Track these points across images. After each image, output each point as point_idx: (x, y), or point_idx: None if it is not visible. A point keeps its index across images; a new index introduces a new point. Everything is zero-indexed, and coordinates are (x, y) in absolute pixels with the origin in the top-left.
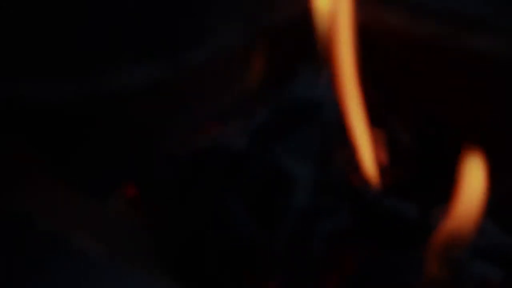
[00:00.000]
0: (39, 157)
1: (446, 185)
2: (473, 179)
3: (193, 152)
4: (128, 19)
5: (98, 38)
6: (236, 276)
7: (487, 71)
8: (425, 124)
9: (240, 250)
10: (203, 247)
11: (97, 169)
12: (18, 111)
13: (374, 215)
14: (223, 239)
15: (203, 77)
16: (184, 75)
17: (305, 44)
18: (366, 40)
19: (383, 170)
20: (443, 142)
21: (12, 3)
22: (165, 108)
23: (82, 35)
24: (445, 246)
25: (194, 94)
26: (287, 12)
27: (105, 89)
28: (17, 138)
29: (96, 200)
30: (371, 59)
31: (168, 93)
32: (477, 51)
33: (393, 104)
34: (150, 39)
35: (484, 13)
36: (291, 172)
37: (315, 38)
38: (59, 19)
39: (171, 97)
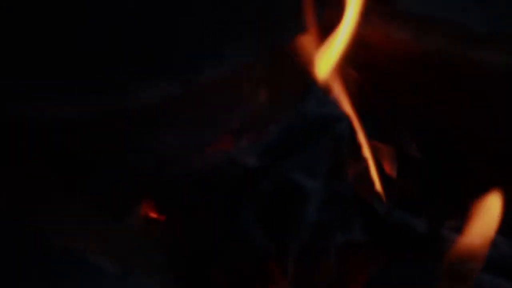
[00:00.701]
0: (54, 175)
1: (456, 199)
2: (490, 203)
3: (205, 168)
4: (140, 37)
5: (110, 56)
6: None
7: (494, 84)
8: (434, 138)
9: (252, 264)
10: (215, 262)
11: (113, 187)
12: (32, 129)
13: (385, 229)
14: (235, 253)
15: (214, 94)
16: (195, 93)
17: (316, 59)
18: (372, 54)
19: (393, 184)
20: (451, 156)
21: (26, 19)
22: (176, 125)
23: (94, 54)
24: (460, 261)
25: (205, 111)
26: (298, 29)
27: (116, 107)
28: (32, 156)
29: (112, 217)
30: (376, 73)
31: (179, 111)
32: (484, 65)
33: (401, 117)
34: (161, 57)
35: (491, 26)
36: (303, 186)
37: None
38: (72, 38)
39: (182, 115)
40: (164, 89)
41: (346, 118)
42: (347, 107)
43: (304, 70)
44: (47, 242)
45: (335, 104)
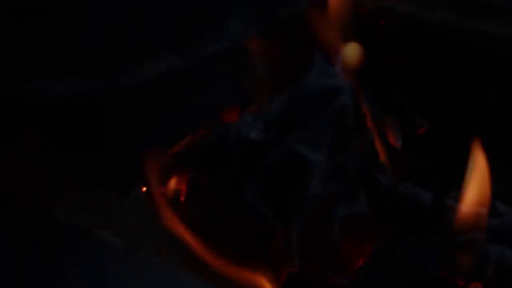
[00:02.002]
0: (60, 151)
1: (460, 170)
2: (477, 165)
3: (209, 140)
4: (143, 13)
5: (115, 33)
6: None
7: (498, 56)
8: (438, 108)
9: (257, 237)
10: (221, 236)
11: (117, 162)
12: (41, 107)
13: (390, 201)
14: (240, 227)
15: (217, 68)
16: (199, 66)
17: (320, 33)
18: (375, 26)
19: (397, 155)
20: (456, 126)
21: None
22: (181, 97)
23: (100, 32)
24: (463, 232)
25: (209, 84)
26: (303, 2)
27: (122, 82)
28: (39, 135)
29: (116, 192)
30: (380, 45)
31: (183, 83)
32: (488, 37)
33: (406, 89)
34: (165, 32)
35: None
36: (307, 159)
37: (326, 27)
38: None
39: (186, 87)
40: (169, 62)
41: (349, 90)
42: (350, 79)
43: (307, 43)
44: (54, 219)
45: (338, 76)
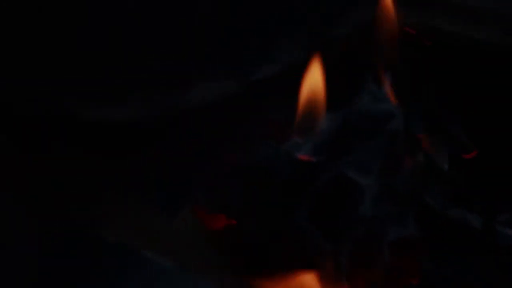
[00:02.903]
0: (110, 172)
1: (509, 194)
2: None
3: (260, 161)
4: (198, 38)
5: (172, 59)
6: (303, 285)
7: None
8: (487, 130)
9: (306, 259)
10: (269, 255)
11: (167, 183)
12: (93, 127)
13: (439, 224)
14: (290, 249)
15: (269, 91)
16: (251, 90)
17: (371, 56)
18: (421, 46)
19: (446, 178)
20: (505, 149)
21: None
22: (232, 120)
23: (158, 59)
24: None
25: (261, 107)
26: (351, 24)
27: (176, 104)
28: (91, 155)
29: (165, 213)
30: (427, 65)
31: (235, 107)
32: None
33: (454, 110)
34: (220, 56)
35: None
36: (358, 183)
37: (377, 49)
38: (135, 42)
39: (238, 111)
40: (223, 87)
41: (400, 115)
42: (399, 100)
43: (358, 65)
44: (102, 239)
45: (389, 100)
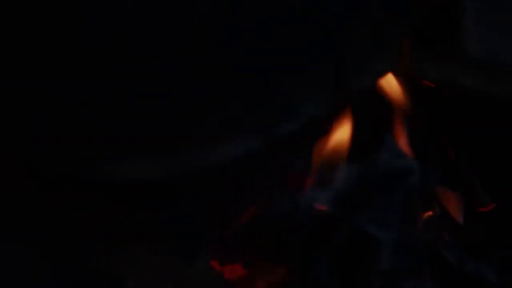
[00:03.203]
0: (131, 223)
1: None
2: None
3: (279, 213)
4: (220, 96)
5: (192, 116)
6: None
7: None
8: (504, 184)
9: None
10: None
11: (186, 232)
12: (116, 184)
13: (456, 278)
14: None
15: (290, 147)
16: (273, 147)
17: (391, 111)
18: (440, 100)
19: (462, 232)
20: None
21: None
22: (252, 172)
23: (177, 116)
24: None
25: (282, 163)
26: (373, 77)
27: (199, 164)
28: (111, 206)
29: (184, 260)
30: (444, 118)
31: (256, 164)
32: None
33: (470, 163)
34: (242, 113)
35: None
36: (375, 238)
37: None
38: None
39: (258, 162)
40: (245, 144)
41: (417, 170)
42: (416, 153)
43: (377, 118)
44: (122, 285)
45: (407, 156)
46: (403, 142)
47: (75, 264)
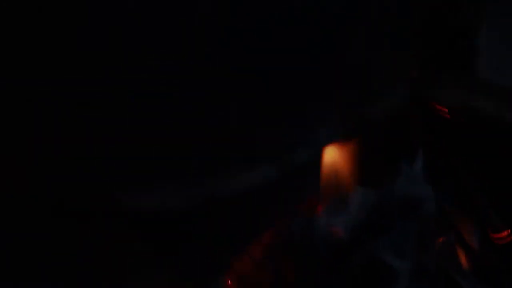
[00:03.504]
0: (147, 248)
1: None
2: None
3: (294, 239)
4: (236, 127)
5: (211, 147)
6: None
7: None
8: None
9: None
10: None
11: (201, 261)
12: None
13: None
14: None
15: (305, 174)
16: (288, 175)
17: (406, 138)
18: (456, 126)
19: (477, 257)
20: None
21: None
22: (269, 203)
23: (198, 148)
24: None
25: (296, 188)
26: (388, 106)
27: (218, 193)
28: (129, 233)
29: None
30: (460, 144)
31: (272, 191)
32: None
33: (484, 189)
34: (260, 144)
35: None
36: (391, 265)
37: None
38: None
39: (275, 194)
40: (263, 173)
41: (433, 197)
42: (432, 180)
43: (393, 145)
44: None
45: (422, 182)
46: (418, 168)
47: None
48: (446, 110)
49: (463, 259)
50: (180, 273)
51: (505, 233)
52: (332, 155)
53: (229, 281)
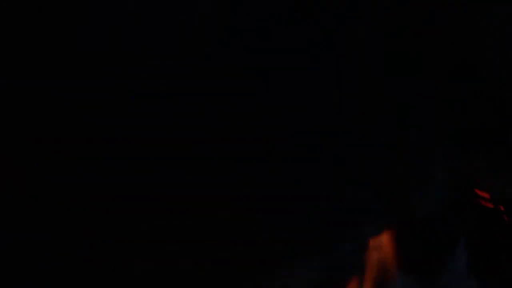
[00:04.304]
0: None
1: None
2: None
3: None
4: (288, 228)
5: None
6: None
7: None
8: None
9: None
10: None
11: None
12: None
13: None
14: None
15: (348, 262)
16: (334, 268)
17: (449, 235)
18: (492, 212)
19: None
20: None
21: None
22: None
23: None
24: None
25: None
26: (429, 204)
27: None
28: None
29: None
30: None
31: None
32: None
33: None
34: (311, 237)
35: None
36: None
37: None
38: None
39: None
40: (312, 264)
41: None
42: (476, 272)
43: (437, 239)
44: None
45: (466, 275)
46: (461, 259)
47: None
48: (488, 197)
49: None
50: None
51: None
52: (378, 245)
53: None
